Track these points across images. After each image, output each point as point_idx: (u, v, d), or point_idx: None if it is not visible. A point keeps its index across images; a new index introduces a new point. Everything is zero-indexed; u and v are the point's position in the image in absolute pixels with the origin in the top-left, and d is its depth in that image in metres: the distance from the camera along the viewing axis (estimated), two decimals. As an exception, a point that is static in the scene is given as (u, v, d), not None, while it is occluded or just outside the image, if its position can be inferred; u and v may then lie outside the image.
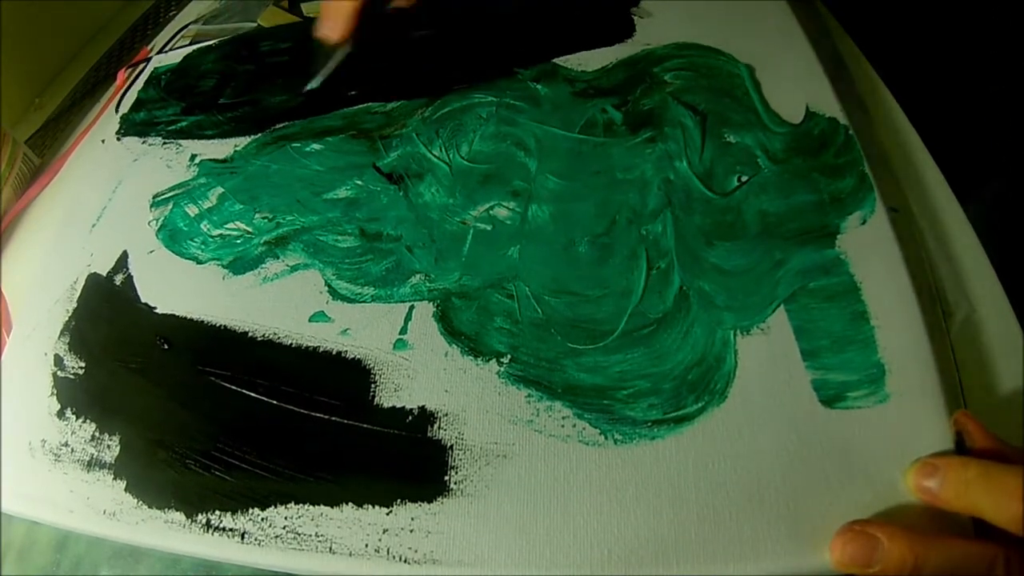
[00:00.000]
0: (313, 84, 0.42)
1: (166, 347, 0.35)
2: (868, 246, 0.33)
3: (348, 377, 0.32)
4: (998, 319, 0.33)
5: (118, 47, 0.61)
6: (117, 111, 0.49)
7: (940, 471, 0.25)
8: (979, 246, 0.36)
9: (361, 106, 0.44)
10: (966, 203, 0.37)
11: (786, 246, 0.33)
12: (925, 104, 0.43)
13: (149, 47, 0.58)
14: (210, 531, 0.29)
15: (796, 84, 0.39)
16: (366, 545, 0.28)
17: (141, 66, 0.54)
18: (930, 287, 0.34)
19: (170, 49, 0.55)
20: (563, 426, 0.30)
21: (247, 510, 0.29)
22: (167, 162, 0.44)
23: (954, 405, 0.29)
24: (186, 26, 0.58)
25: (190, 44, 0.55)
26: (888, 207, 0.34)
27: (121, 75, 0.54)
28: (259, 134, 0.44)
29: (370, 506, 0.29)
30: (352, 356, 0.33)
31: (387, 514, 0.28)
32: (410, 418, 0.31)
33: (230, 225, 0.39)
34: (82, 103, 0.56)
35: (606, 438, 0.29)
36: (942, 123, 0.42)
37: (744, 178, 0.36)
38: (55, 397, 0.34)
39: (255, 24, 0.55)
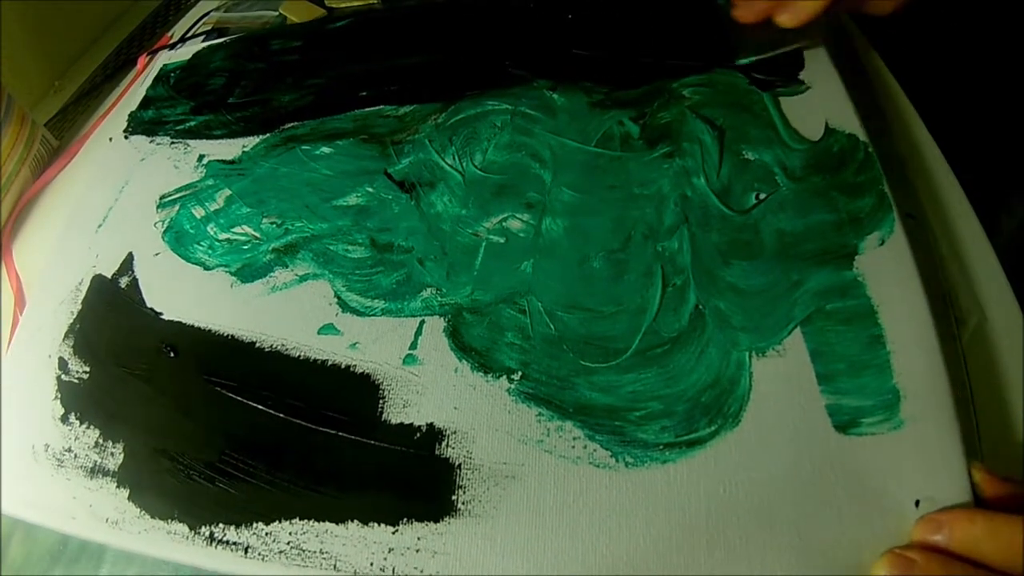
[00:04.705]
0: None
1: (172, 355, 0.34)
2: (886, 268, 0.32)
3: (356, 392, 0.32)
4: (1010, 326, 0.33)
5: (139, 32, 0.61)
6: None
7: (946, 527, 0.25)
8: (992, 253, 0.35)
9: (373, 108, 0.43)
10: (994, 226, 0.36)
11: (803, 266, 0.32)
12: (947, 118, 0.42)
13: (170, 33, 0.57)
14: (213, 544, 0.29)
15: (816, 99, 0.38)
16: (371, 564, 0.28)
17: (162, 52, 0.53)
18: (943, 296, 0.33)
19: (191, 36, 0.55)
20: (574, 447, 0.29)
21: (251, 524, 0.29)
22: (175, 162, 0.43)
23: (966, 422, 0.28)
24: (207, 13, 0.58)
25: (211, 30, 0.54)
26: (905, 213, 0.34)
27: (142, 61, 0.53)
28: (268, 134, 0.43)
29: (376, 524, 0.28)
30: (361, 370, 0.32)
31: (393, 533, 0.28)
32: (418, 435, 0.30)
33: (237, 229, 0.39)
34: (101, 88, 0.56)
35: (617, 461, 0.29)
36: (965, 139, 0.42)
37: (762, 195, 0.35)
38: (59, 401, 0.34)
39: (277, 13, 0.55)
